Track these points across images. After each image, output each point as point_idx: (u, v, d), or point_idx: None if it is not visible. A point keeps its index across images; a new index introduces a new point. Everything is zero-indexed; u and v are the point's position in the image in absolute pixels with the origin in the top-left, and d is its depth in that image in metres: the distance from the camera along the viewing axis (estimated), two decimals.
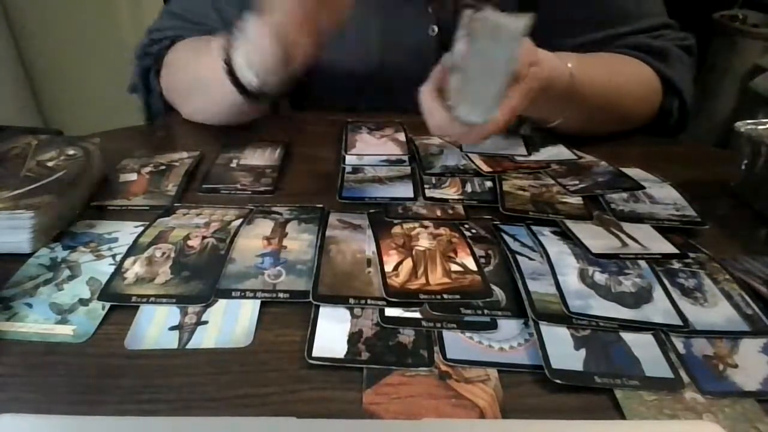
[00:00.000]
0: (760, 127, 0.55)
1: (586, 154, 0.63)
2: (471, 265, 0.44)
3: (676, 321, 0.39)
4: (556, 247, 0.46)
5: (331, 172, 0.59)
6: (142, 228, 0.48)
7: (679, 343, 0.38)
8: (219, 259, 0.44)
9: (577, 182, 0.56)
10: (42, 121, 1.76)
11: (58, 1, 1.58)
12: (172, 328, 0.38)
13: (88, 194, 0.53)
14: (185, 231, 0.47)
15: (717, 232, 0.50)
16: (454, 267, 0.43)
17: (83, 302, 0.40)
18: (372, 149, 0.64)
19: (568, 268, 0.43)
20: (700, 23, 1.61)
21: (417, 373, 0.35)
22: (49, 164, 0.51)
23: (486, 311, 0.40)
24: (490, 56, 0.47)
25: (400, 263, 0.44)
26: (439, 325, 0.38)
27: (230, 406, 0.33)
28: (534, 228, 0.49)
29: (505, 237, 0.48)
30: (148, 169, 0.58)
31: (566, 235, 0.48)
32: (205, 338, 0.38)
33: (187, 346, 0.37)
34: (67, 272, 0.43)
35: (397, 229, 0.48)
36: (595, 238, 0.47)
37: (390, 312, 0.39)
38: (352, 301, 0.40)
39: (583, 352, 0.36)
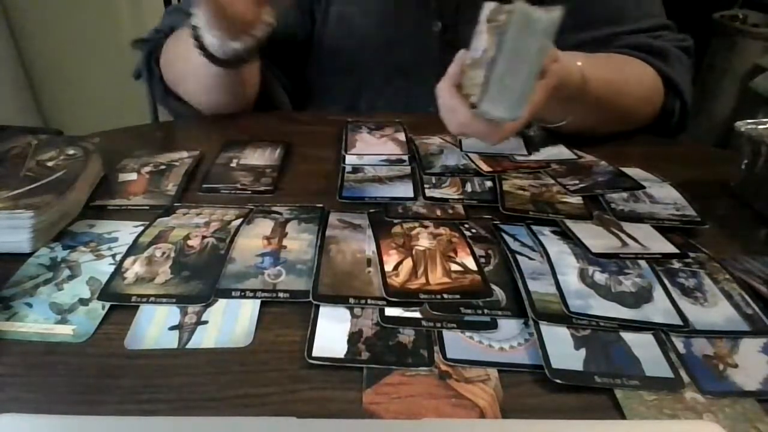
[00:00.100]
0: (760, 127, 0.55)
1: (586, 154, 0.63)
2: (471, 264, 0.44)
3: (676, 321, 0.39)
4: (556, 247, 0.46)
5: (331, 172, 0.59)
6: (142, 228, 0.48)
7: (679, 342, 0.38)
8: (219, 259, 0.44)
9: (577, 182, 0.56)
10: (42, 121, 1.76)
11: (58, 1, 1.58)
12: (172, 328, 0.38)
13: (88, 194, 0.53)
14: (185, 231, 0.47)
15: (717, 232, 0.50)
16: (454, 267, 0.43)
17: (83, 302, 0.40)
18: (372, 149, 0.64)
19: (568, 267, 0.43)
20: (700, 23, 1.61)
21: (417, 372, 0.35)
22: (49, 164, 0.51)
23: (486, 311, 0.40)
24: (520, 49, 0.44)
25: (400, 263, 0.44)
26: (439, 324, 0.38)
27: (230, 406, 0.33)
28: (534, 228, 0.49)
29: (505, 237, 0.48)
30: (148, 168, 0.58)
31: (566, 235, 0.48)
32: (205, 338, 0.37)
33: (187, 346, 0.37)
34: (67, 272, 0.43)
35: (397, 229, 0.48)
36: (595, 237, 0.47)
37: (390, 312, 0.39)
38: (352, 300, 0.40)
39: (583, 351, 0.36)
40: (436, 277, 0.42)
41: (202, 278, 0.42)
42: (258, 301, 0.40)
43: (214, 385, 0.34)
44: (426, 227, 0.49)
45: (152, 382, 0.34)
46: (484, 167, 0.59)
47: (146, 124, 0.75)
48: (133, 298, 0.40)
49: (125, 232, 0.48)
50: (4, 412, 0.30)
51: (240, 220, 0.49)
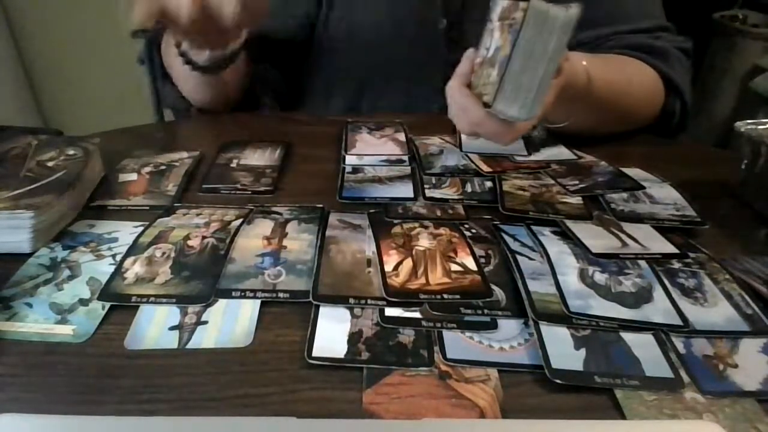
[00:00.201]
0: (760, 127, 0.55)
1: (586, 154, 0.63)
2: (471, 265, 0.44)
3: (676, 321, 0.39)
4: (556, 247, 0.46)
5: (331, 172, 0.59)
6: (142, 228, 0.48)
7: (679, 343, 0.38)
8: (219, 259, 0.44)
9: (577, 182, 0.56)
10: (42, 121, 1.76)
11: (58, 1, 1.58)
12: (172, 328, 0.38)
13: (88, 194, 0.53)
14: (185, 231, 0.47)
15: (717, 232, 0.50)
16: (454, 267, 0.43)
17: (83, 302, 0.40)
18: (372, 149, 0.64)
19: (568, 268, 0.43)
20: (700, 23, 1.62)
21: (417, 373, 0.35)
22: (49, 164, 0.51)
23: (486, 311, 0.40)
24: (536, 48, 0.43)
25: (400, 263, 0.44)
26: (439, 325, 0.38)
27: (230, 406, 0.33)
28: (534, 228, 0.49)
29: (505, 237, 0.48)
30: (148, 169, 0.58)
31: (566, 235, 0.48)
32: (205, 338, 0.37)
33: (187, 346, 0.37)
34: (67, 272, 0.43)
35: (397, 229, 0.48)
36: (595, 238, 0.47)
37: (390, 312, 0.39)
38: (352, 301, 0.40)
39: (583, 351, 0.36)
40: (436, 278, 0.42)
41: (202, 278, 0.42)
42: (258, 301, 0.40)
43: (214, 385, 0.34)
44: (426, 227, 0.49)
45: (152, 382, 0.34)
46: (484, 167, 0.59)
47: (146, 124, 0.76)
48: (133, 299, 0.40)
49: (125, 232, 0.48)
50: (4, 412, 0.30)
51: (240, 220, 0.49)
